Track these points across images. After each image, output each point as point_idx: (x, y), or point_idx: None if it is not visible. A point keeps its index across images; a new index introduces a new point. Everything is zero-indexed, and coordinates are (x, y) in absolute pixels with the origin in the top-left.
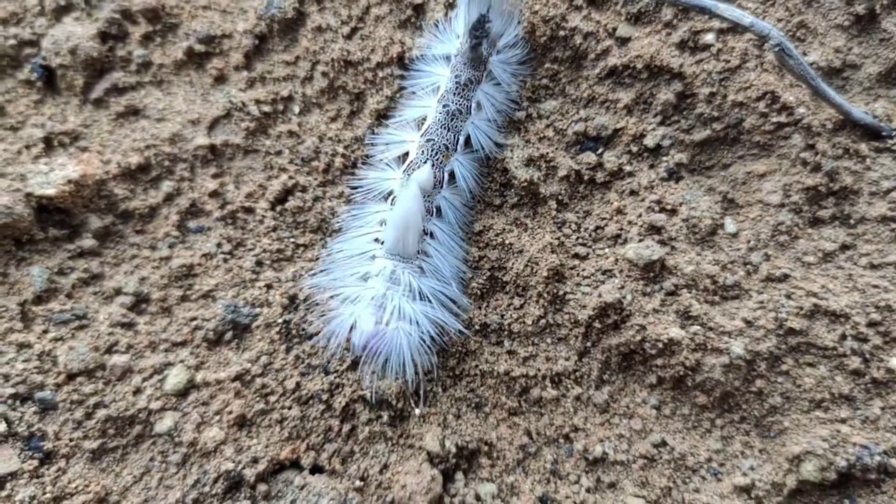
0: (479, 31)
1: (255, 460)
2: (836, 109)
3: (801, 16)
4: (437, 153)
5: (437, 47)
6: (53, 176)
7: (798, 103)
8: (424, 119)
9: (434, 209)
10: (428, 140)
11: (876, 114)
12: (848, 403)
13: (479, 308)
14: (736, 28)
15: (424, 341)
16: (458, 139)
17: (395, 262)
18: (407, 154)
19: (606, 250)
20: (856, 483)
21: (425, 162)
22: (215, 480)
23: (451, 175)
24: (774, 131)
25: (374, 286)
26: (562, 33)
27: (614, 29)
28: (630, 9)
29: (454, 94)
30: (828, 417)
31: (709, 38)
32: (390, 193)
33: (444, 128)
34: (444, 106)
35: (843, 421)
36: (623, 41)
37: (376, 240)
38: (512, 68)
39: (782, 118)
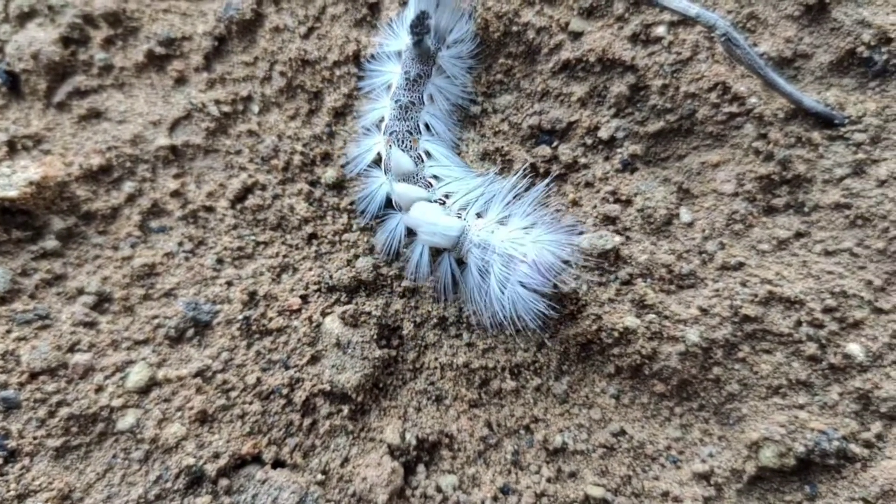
0: (419, 27)
1: (216, 455)
2: (786, 98)
3: (751, 7)
4: (402, 141)
5: (389, 45)
6: (16, 178)
7: (749, 93)
8: (383, 118)
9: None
10: (391, 134)
11: (828, 102)
12: (805, 389)
13: (438, 301)
14: (686, 20)
15: None
16: (417, 126)
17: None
18: (379, 154)
19: None
20: (815, 469)
21: (393, 149)
22: (177, 476)
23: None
24: (727, 121)
25: None
26: (515, 28)
27: (567, 23)
28: (582, 3)
29: (404, 89)
30: (785, 404)
31: (660, 30)
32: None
33: (401, 119)
34: (396, 101)
35: (801, 407)
36: (576, 35)
37: None
38: (463, 62)
39: (734, 108)
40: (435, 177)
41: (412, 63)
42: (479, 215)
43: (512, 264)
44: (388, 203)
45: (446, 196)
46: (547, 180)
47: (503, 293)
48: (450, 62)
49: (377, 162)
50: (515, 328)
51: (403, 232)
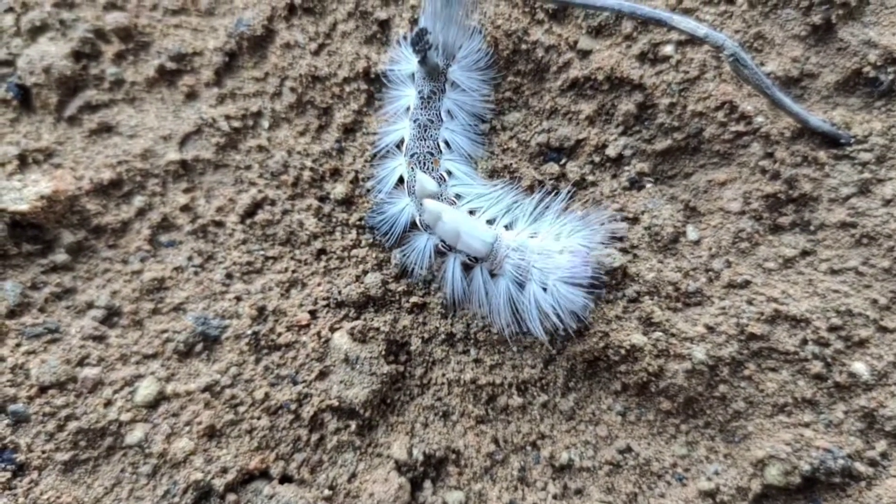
0: (419, 44)
1: (224, 470)
2: (793, 118)
3: (759, 27)
4: (424, 163)
5: (401, 68)
6: (27, 192)
7: (756, 112)
8: (403, 140)
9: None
10: (412, 156)
11: (834, 122)
12: (811, 407)
13: (446, 318)
14: (693, 39)
15: None
16: (438, 145)
17: None
18: (402, 178)
19: None
20: (820, 487)
21: (416, 171)
22: (185, 491)
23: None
24: (734, 140)
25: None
26: (524, 47)
27: (575, 42)
28: (591, 22)
29: (420, 108)
30: (791, 422)
31: (668, 49)
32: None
33: (421, 139)
34: (414, 121)
35: (807, 425)
36: (584, 54)
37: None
38: (478, 73)
39: (741, 127)
40: (458, 195)
41: (424, 81)
42: (507, 227)
43: (551, 262)
44: (412, 226)
45: (471, 212)
46: (567, 191)
47: (546, 293)
48: (463, 75)
49: (400, 181)
50: (552, 332)
51: (433, 251)
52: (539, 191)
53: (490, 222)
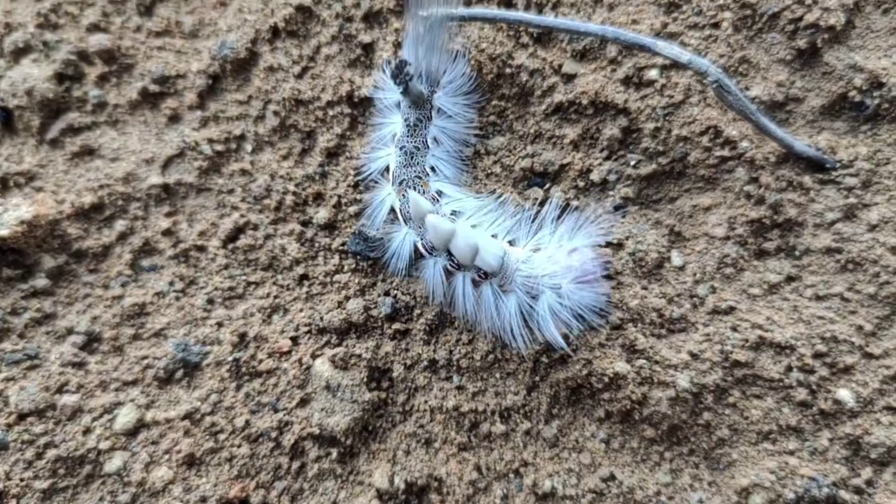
0: (399, 76)
1: (203, 500)
2: (778, 143)
3: (744, 51)
4: (414, 188)
5: (387, 96)
6: (7, 217)
7: (741, 137)
8: (388, 167)
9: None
10: (401, 182)
11: (819, 146)
12: (796, 435)
13: (428, 344)
14: (677, 65)
15: None
16: (425, 170)
17: None
18: (392, 209)
19: None
20: None
21: (408, 193)
22: None
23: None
24: (718, 165)
25: None
26: (508, 71)
27: (560, 66)
28: (575, 46)
29: (407, 136)
30: (776, 449)
31: (653, 73)
32: (409, 245)
33: (407, 166)
34: (400, 148)
35: (791, 453)
36: (569, 78)
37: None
38: (462, 99)
39: (726, 152)
40: (455, 212)
41: (409, 110)
42: (510, 243)
43: (560, 266)
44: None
45: (472, 227)
46: (557, 202)
47: (561, 298)
48: (448, 101)
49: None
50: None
51: (443, 274)
52: (531, 207)
53: (493, 236)
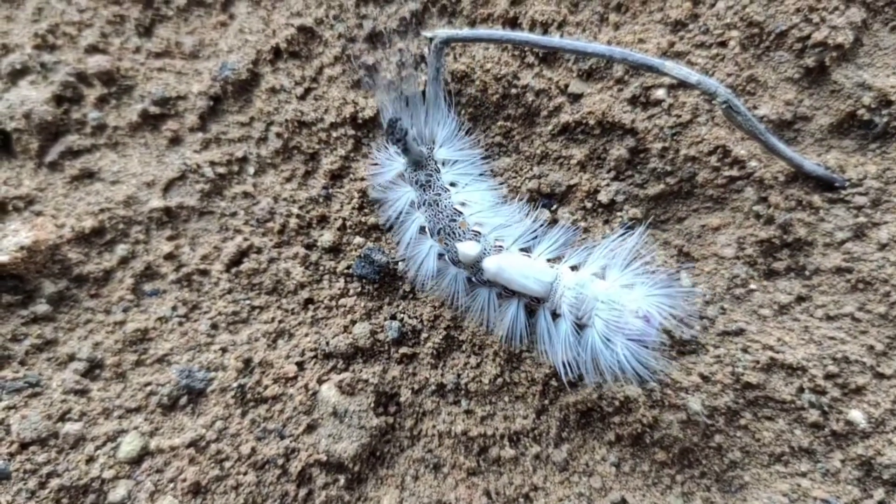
0: (393, 133)
1: None
2: (787, 162)
3: (751, 70)
4: (453, 233)
5: (387, 173)
6: (6, 242)
7: (750, 157)
8: (424, 227)
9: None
10: (438, 233)
11: (828, 165)
12: (808, 457)
13: (436, 368)
14: (685, 85)
15: None
16: (455, 209)
17: None
18: (441, 255)
19: None
20: None
21: (451, 239)
22: None
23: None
24: (727, 185)
25: None
26: (514, 91)
27: (566, 86)
28: (581, 66)
29: (423, 194)
30: (788, 471)
31: (660, 93)
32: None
33: (439, 214)
34: (422, 204)
35: (804, 475)
36: (575, 98)
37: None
38: (461, 143)
39: (734, 172)
40: (498, 240)
41: (415, 173)
42: (574, 268)
43: (621, 319)
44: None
45: (524, 250)
46: (640, 231)
47: (606, 345)
48: (449, 152)
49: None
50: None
51: (496, 300)
52: (612, 233)
53: (550, 260)
